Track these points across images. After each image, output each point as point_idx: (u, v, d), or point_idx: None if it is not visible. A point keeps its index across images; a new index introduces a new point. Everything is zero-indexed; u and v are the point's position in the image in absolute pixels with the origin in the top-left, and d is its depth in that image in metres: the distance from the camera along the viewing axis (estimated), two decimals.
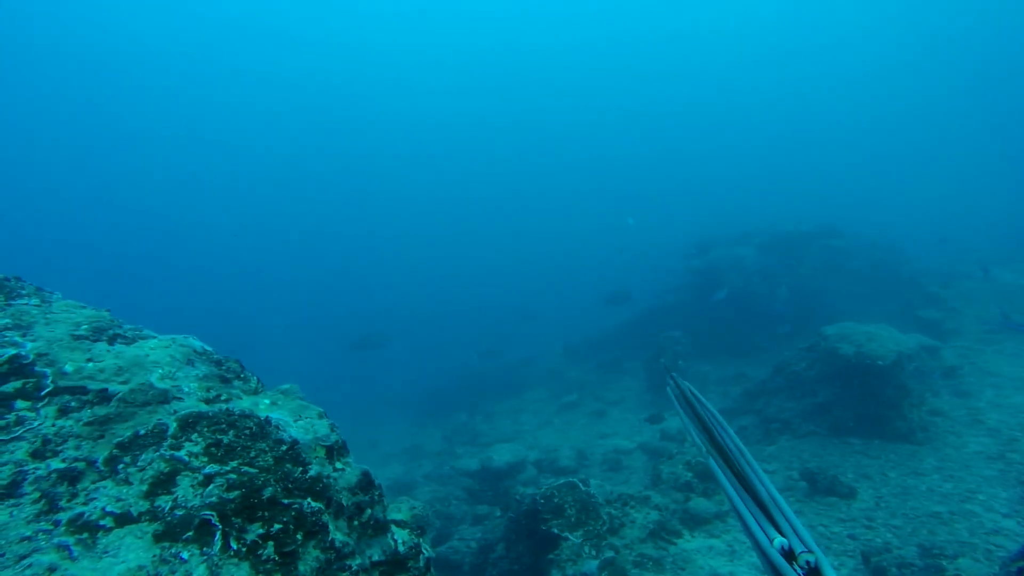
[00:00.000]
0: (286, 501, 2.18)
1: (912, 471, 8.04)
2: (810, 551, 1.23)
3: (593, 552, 6.05)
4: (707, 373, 14.74)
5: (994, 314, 9.34)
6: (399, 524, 3.96)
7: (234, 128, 59.57)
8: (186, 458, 2.06)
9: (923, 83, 54.38)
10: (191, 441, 2.15)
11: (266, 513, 2.02)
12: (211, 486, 1.98)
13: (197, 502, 1.90)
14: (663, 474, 8.30)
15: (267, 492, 2.12)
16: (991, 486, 7.35)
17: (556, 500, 6.33)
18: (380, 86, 61.48)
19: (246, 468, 2.16)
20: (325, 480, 2.80)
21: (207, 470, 2.04)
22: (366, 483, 3.34)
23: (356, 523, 3.14)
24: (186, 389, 2.53)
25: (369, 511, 3.29)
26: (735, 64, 58.63)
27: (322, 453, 3.06)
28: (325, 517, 2.60)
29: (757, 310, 15.96)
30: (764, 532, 1.33)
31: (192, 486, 1.96)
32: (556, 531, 6.09)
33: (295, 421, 3.14)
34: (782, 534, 1.31)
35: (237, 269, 54.93)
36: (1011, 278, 16.47)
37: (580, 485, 6.54)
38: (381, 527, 3.40)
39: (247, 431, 2.44)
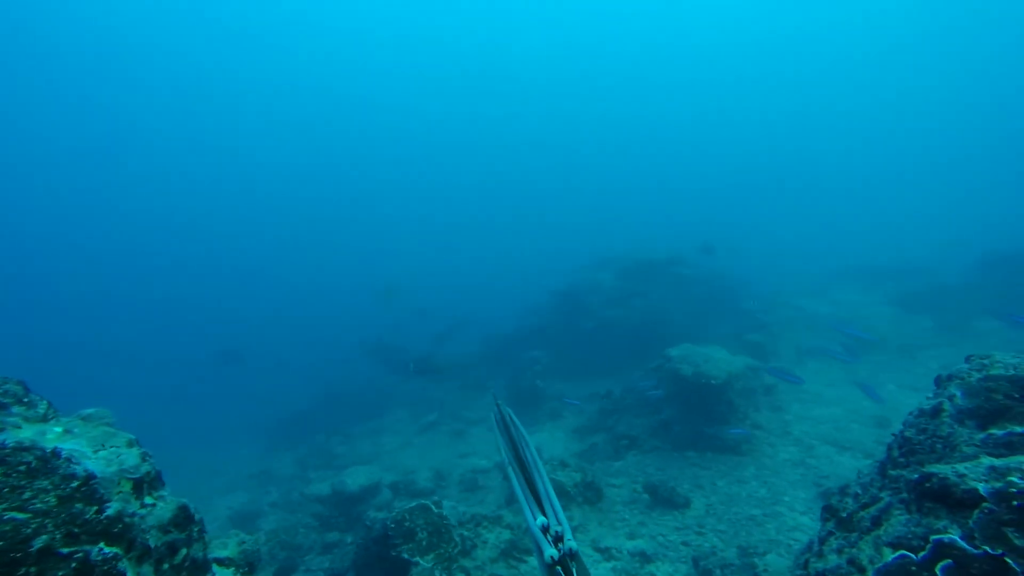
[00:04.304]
0: (65, 551, 1.86)
1: (737, 480, 8.94)
2: (560, 524, 1.65)
3: None
4: (564, 392, 15.32)
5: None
6: (223, 563, 3.58)
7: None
8: None
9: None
10: None
11: (32, 569, 1.70)
12: None
13: None
14: None
15: (39, 542, 1.79)
16: (795, 489, 8.44)
17: (407, 524, 6.14)
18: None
19: (12, 515, 1.80)
20: (128, 519, 2.46)
21: None
22: (183, 519, 2.99)
23: (166, 566, 2.79)
24: None
25: (184, 551, 2.95)
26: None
27: (127, 487, 2.70)
28: (123, 564, 2.28)
29: (611, 333, 16.96)
30: (532, 514, 1.77)
31: None
32: (407, 556, 5.90)
33: (95, 452, 2.74)
34: (546, 517, 1.73)
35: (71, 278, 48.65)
36: (819, 308, 19.13)
37: (432, 507, 6.40)
38: (199, 568, 3.05)
39: (22, 467, 2.06)
